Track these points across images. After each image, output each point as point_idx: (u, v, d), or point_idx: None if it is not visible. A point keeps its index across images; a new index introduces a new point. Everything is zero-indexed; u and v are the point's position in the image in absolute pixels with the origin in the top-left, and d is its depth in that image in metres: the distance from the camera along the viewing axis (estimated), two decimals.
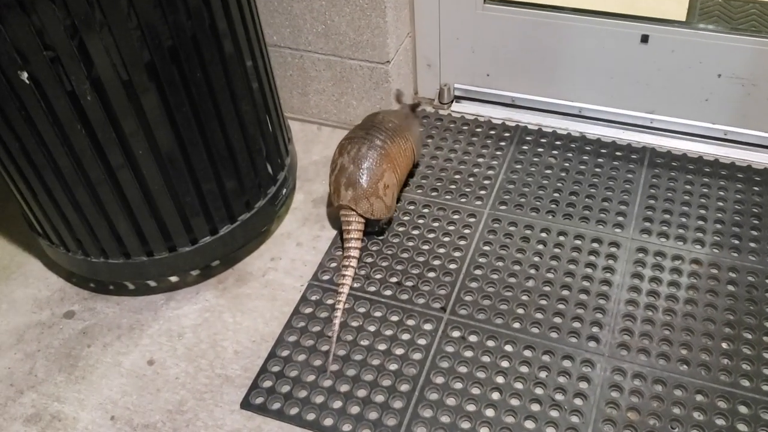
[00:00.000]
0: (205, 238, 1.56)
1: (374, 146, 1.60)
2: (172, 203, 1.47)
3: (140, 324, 1.58)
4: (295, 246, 1.72)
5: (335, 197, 1.63)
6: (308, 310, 1.57)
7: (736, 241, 1.62)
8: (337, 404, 1.39)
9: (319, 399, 1.40)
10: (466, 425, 1.34)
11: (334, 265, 1.66)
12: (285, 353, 1.49)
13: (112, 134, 1.33)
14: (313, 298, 1.59)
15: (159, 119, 1.36)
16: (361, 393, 1.41)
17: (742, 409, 1.33)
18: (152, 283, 1.66)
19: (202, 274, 1.67)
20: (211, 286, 1.65)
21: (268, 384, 1.44)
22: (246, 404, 1.41)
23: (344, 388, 1.42)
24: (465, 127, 1.99)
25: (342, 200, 1.61)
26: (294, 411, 1.39)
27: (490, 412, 1.36)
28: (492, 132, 1.96)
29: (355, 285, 1.61)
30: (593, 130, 1.94)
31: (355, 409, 1.38)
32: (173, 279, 1.66)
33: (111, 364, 1.51)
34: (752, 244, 1.61)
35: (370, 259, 1.65)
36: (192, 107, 1.39)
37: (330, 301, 1.58)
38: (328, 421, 1.37)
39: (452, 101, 2.07)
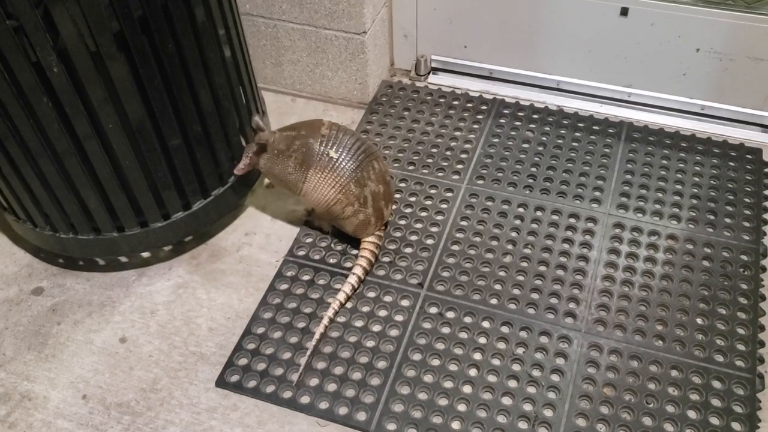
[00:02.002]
0: (178, 213, 1.53)
1: (375, 154, 1.54)
2: (143, 177, 1.43)
3: (111, 301, 1.55)
4: (269, 221, 1.69)
5: (378, 222, 1.55)
6: (284, 287, 1.54)
7: (712, 217, 1.63)
8: (314, 381, 1.38)
9: (295, 376, 1.39)
10: (443, 402, 1.34)
11: (309, 240, 1.63)
12: (260, 330, 1.47)
13: (79, 106, 1.28)
14: (289, 274, 1.57)
15: (129, 90, 1.31)
16: (338, 370, 1.40)
17: (716, 384, 1.35)
18: (123, 259, 1.62)
19: (174, 250, 1.63)
20: (184, 261, 1.62)
21: (243, 362, 1.42)
22: (221, 382, 1.39)
23: (321, 365, 1.41)
24: (442, 100, 1.96)
25: (386, 218, 1.58)
26: (270, 389, 1.38)
27: (467, 389, 1.36)
28: (469, 105, 1.94)
29: (332, 260, 1.59)
30: (571, 104, 1.93)
31: (332, 387, 1.37)
32: (145, 255, 1.62)
33: (82, 342, 1.48)
34: (727, 220, 1.62)
35: (347, 235, 1.63)
36: (163, 78, 1.34)
37: (306, 277, 1.56)
38: (305, 399, 1.36)
39: (429, 73, 2.04)
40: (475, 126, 1.88)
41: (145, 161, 1.42)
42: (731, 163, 1.75)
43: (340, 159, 1.47)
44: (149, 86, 1.33)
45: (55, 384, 1.41)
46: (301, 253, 1.61)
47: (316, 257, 1.60)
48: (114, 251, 1.55)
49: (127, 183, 1.43)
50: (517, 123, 1.88)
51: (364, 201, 1.50)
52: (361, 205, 1.50)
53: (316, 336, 1.43)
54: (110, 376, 1.42)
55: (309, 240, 1.63)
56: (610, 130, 1.85)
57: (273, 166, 1.53)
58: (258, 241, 1.65)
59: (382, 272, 1.56)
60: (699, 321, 1.45)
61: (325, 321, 1.45)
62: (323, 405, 1.35)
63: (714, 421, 1.30)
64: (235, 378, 1.40)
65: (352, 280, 1.51)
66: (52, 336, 1.49)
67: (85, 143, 1.35)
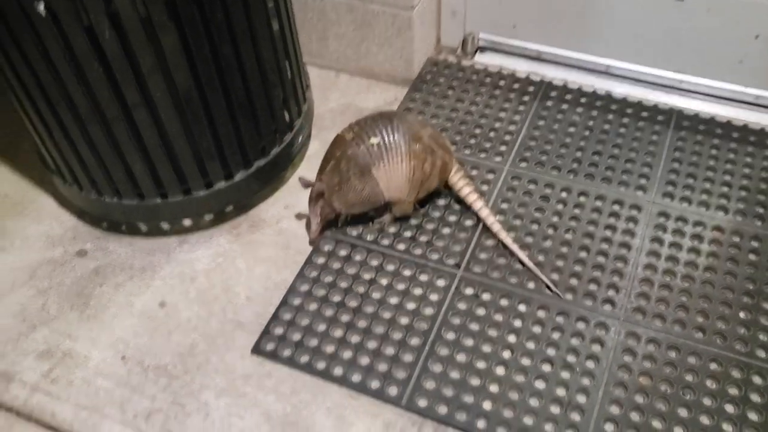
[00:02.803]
0: (220, 183, 1.54)
1: (398, 114, 1.55)
2: (188, 146, 1.45)
3: (153, 266, 1.58)
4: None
5: (451, 157, 1.56)
6: (321, 261, 1.55)
7: (761, 210, 1.59)
8: (348, 354, 1.39)
9: (329, 348, 1.40)
10: (475, 382, 1.34)
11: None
12: (297, 302, 1.48)
13: (129, 72, 1.30)
14: (326, 248, 1.58)
15: (177, 59, 1.32)
16: (372, 345, 1.40)
17: (757, 380, 1.32)
18: (165, 226, 1.65)
19: (215, 219, 1.65)
20: (225, 231, 1.63)
21: (279, 331, 1.43)
22: (257, 350, 1.41)
23: (355, 339, 1.41)
24: (488, 80, 1.94)
25: (452, 150, 1.58)
26: (304, 359, 1.39)
27: (500, 370, 1.36)
28: (515, 86, 1.91)
29: (369, 238, 1.59)
30: (620, 89, 1.89)
31: (365, 360, 1.38)
32: (187, 222, 1.65)
33: (123, 305, 1.51)
34: None
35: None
36: (211, 48, 1.35)
37: (343, 253, 1.56)
38: (338, 371, 1.37)
39: (476, 52, 2.02)
40: (521, 107, 1.86)
41: (191, 130, 1.43)
42: None
43: (384, 136, 1.47)
44: (198, 56, 1.34)
45: (96, 344, 1.45)
46: (339, 228, 1.61)
47: (354, 234, 1.60)
48: (156, 217, 1.57)
49: (172, 151, 1.45)
50: (564, 106, 1.85)
51: (430, 148, 1.50)
52: (431, 153, 1.50)
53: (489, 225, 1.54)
54: (149, 339, 1.45)
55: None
56: (659, 118, 1.81)
57: (345, 199, 1.51)
58: (297, 214, 1.66)
59: (419, 251, 1.55)
60: (742, 315, 1.42)
61: (490, 219, 1.55)
62: (356, 377, 1.36)
63: (752, 416, 1.28)
64: (270, 347, 1.41)
65: (484, 211, 1.56)
66: (95, 297, 1.53)
67: (134, 110, 1.37)
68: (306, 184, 1.51)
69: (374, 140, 1.46)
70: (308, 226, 1.59)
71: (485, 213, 1.56)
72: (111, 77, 1.30)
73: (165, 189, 1.51)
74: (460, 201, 1.62)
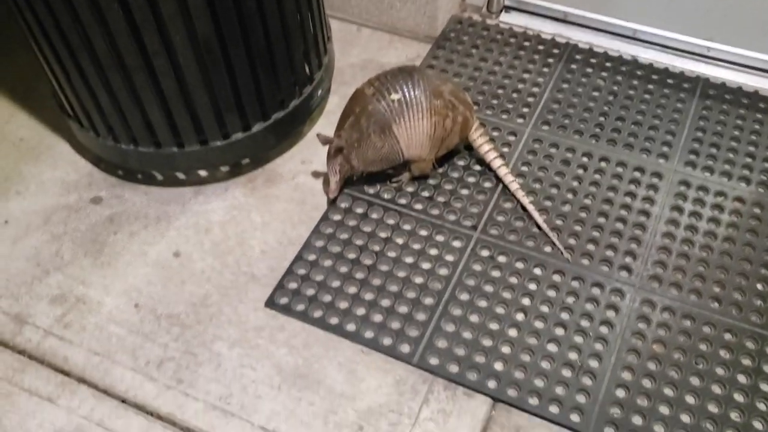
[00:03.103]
0: (237, 134, 1.53)
1: (417, 68, 1.52)
2: (207, 95, 1.43)
3: (167, 216, 1.57)
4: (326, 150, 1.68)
5: (472, 113, 1.53)
6: (337, 217, 1.54)
7: None
8: (361, 311, 1.39)
9: (343, 305, 1.40)
10: (487, 342, 1.34)
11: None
12: (312, 257, 1.47)
13: (150, 17, 1.28)
14: (343, 205, 1.56)
15: (199, 6, 1.30)
16: (385, 302, 1.40)
17: None
18: (181, 176, 1.64)
19: (231, 171, 1.64)
20: (240, 184, 1.62)
21: (293, 285, 1.43)
22: (270, 303, 1.41)
23: (369, 296, 1.41)
24: (512, 40, 1.90)
25: (473, 105, 1.56)
26: (318, 314, 1.39)
27: (512, 332, 1.35)
28: (540, 47, 1.88)
29: (386, 196, 1.57)
30: (646, 55, 1.85)
31: (378, 318, 1.38)
32: (202, 173, 1.64)
33: (137, 253, 1.51)
34: None
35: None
36: None
37: (359, 210, 1.55)
38: (351, 327, 1.37)
39: (501, 11, 1.98)
40: (545, 70, 1.82)
41: (210, 79, 1.41)
42: None
43: (405, 92, 1.44)
44: (219, 4, 1.31)
45: (109, 291, 1.45)
46: (356, 185, 1.60)
47: (371, 191, 1.59)
48: (172, 166, 1.56)
49: (190, 100, 1.43)
50: (589, 70, 1.82)
51: (452, 104, 1.48)
52: (453, 109, 1.48)
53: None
54: (162, 288, 1.45)
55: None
56: (685, 85, 1.77)
57: (364, 157, 1.49)
58: (314, 170, 1.65)
59: (436, 211, 1.54)
60: (759, 287, 1.40)
61: (509, 178, 1.55)
62: (368, 334, 1.36)
63: (764, 387, 1.27)
64: (284, 300, 1.41)
65: (503, 170, 1.56)
66: (109, 245, 1.52)
67: (154, 58, 1.35)
68: (325, 140, 1.49)
69: (395, 96, 1.44)
70: (326, 182, 1.57)
71: (504, 172, 1.55)
72: (131, 22, 1.28)
73: (182, 138, 1.50)
74: (480, 160, 1.60)
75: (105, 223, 1.57)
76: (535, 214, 1.50)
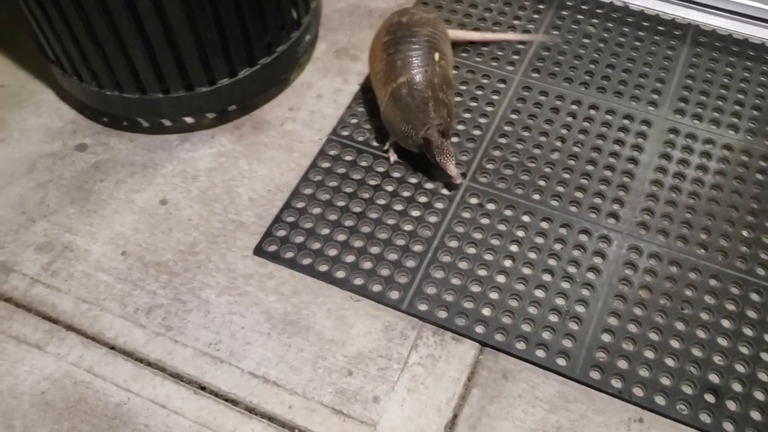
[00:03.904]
0: (224, 79, 1.50)
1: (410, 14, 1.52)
2: (192, 39, 1.40)
3: (154, 163, 1.56)
4: (315, 98, 1.66)
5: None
6: (326, 165, 1.53)
7: None
8: (350, 258, 1.39)
9: (332, 252, 1.40)
10: (476, 288, 1.35)
11: (354, 120, 1.61)
12: (300, 205, 1.47)
13: None
14: (332, 152, 1.55)
15: None
16: (375, 250, 1.40)
17: (754, 297, 1.33)
18: (167, 122, 1.61)
19: (218, 118, 1.62)
20: (227, 131, 1.61)
21: (282, 233, 1.43)
22: (259, 251, 1.41)
23: (358, 243, 1.41)
24: None
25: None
26: (307, 261, 1.39)
27: (501, 278, 1.36)
28: None
29: (375, 144, 1.56)
30: (637, 1, 1.83)
31: (367, 265, 1.38)
32: (188, 120, 1.61)
33: (123, 201, 1.50)
34: None
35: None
36: None
37: (349, 158, 1.54)
38: (340, 274, 1.37)
39: None
40: (536, 16, 1.80)
41: (195, 22, 1.38)
42: None
43: (433, 43, 1.46)
44: None
45: (96, 238, 1.44)
46: (345, 133, 1.59)
47: (360, 139, 1.57)
48: (158, 112, 1.54)
49: (175, 43, 1.41)
50: (580, 17, 1.79)
51: (433, 22, 1.50)
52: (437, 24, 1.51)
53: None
54: (150, 235, 1.44)
55: (354, 121, 1.61)
56: (676, 32, 1.76)
57: (453, 121, 1.47)
58: (302, 117, 1.63)
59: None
60: (744, 233, 1.41)
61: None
62: (358, 281, 1.36)
63: (747, 331, 1.29)
64: (272, 248, 1.41)
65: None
66: (95, 192, 1.51)
67: (138, 1, 1.31)
68: (442, 142, 1.40)
69: (437, 56, 1.45)
70: (450, 171, 1.44)
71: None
72: None
73: (167, 83, 1.47)
74: (469, 110, 1.59)
75: (91, 171, 1.55)
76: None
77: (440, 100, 1.41)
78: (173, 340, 1.31)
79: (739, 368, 1.25)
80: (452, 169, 1.41)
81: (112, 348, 1.30)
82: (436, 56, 1.43)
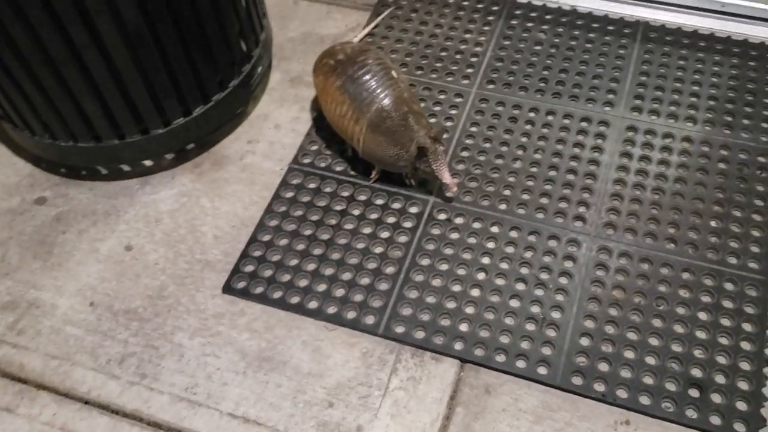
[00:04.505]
0: (178, 119, 1.49)
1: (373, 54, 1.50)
2: (142, 83, 1.39)
3: (116, 209, 1.53)
4: (273, 128, 1.65)
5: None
6: (289, 195, 1.52)
7: (729, 118, 1.58)
8: (322, 287, 1.37)
9: (303, 282, 1.38)
10: (451, 305, 1.33)
11: (315, 147, 1.60)
12: (266, 238, 1.45)
13: (72, 9, 1.23)
14: (294, 182, 1.54)
15: None
16: (346, 276, 1.39)
17: (729, 286, 1.33)
18: (126, 168, 1.59)
19: (177, 158, 1.60)
20: (187, 170, 1.59)
21: (250, 268, 1.41)
22: (228, 289, 1.39)
23: (328, 271, 1.39)
24: (450, 1, 1.88)
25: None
26: (277, 294, 1.37)
27: (475, 292, 1.35)
28: (479, 5, 1.86)
29: (338, 168, 1.55)
30: (585, 3, 1.84)
31: (340, 292, 1.37)
32: (147, 163, 1.60)
33: (87, 251, 1.47)
34: (745, 121, 1.57)
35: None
36: None
37: (312, 185, 1.53)
38: (313, 304, 1.35)
39: None
40: (486, 28, 1.81)
41: (144, 67, 1.37)
42: (751, 63, 1.68)
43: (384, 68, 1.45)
44: None
45: (62, 292, 1.41)
46: (307, 160, 1.58)
47: (322, 165, 1.56)
48: (116, 159, 1.52)
49: (126, 89, 1.39)
50: (529, 24, 1.80)
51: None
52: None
53: None
54: (117, 283, 1.42)
55: (314, 147, 1.60)
56: (626, 31, 1.77)
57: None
58: (261, 149, 1.62)
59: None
60: (713, 224, 1.42)
61: None
62: (331, 309, 1.34)
63: (725, 322, 1.29)
64: (241, 284, 1.39)
65: None
66: (57, 245, 1.48)
67: (82, 51, 1.30)
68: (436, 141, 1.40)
69: (395, 74, 1.45)
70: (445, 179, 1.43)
71: None
72: (53, 15, 1.23)
73: (122, 129, 1.46)
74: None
75: (52, 223, 1.52)
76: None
77: (417, 112, 1.41)
78: (149, 388, 1.28)
79: (721, 360, 1.25)
80: (447, 177, 1.40)
81: (86, 402, 1.27)
82: (394, 74, 1.42)
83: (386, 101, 1.39)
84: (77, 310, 1.38)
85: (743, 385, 1.22)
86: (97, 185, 1.58)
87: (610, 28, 1.78)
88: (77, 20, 1.25)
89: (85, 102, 1.39)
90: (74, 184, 1.59)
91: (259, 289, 1.38)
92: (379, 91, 1.40)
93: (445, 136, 1.59)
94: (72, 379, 1.30)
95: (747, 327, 1.28)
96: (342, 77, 1.43)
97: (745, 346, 1.26)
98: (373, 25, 1.77)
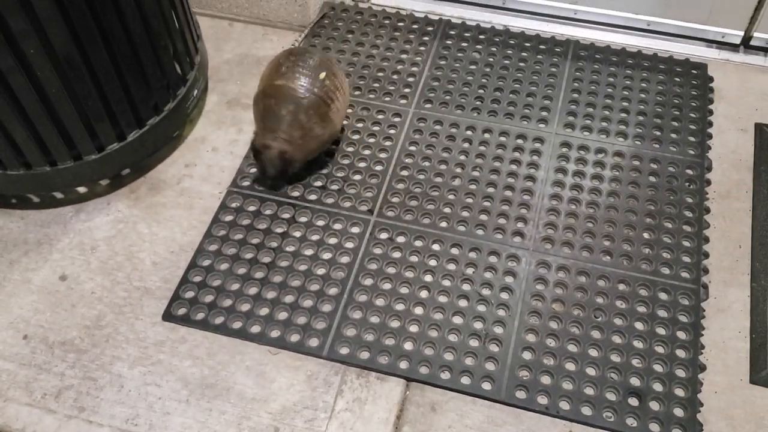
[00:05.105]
0: (112, 144, 1.46)
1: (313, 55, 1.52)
2: (73, 108, 1.36)
3: (49, 238, 1.49)
4: (210, 151, 1.63)
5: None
6: (229, 218, 1.50)
7: (658, 133, 1.63)
8: (264, 311, 1.36)
9: (245, 307, 1.37)
10: (395, 324, 1.34)
11: (253, 170, 1.58)
12: (206, 263, 1.43)
13: None
14: (233, 205, 1.53)
15: (50, 15, 1.22)
16: (289, 299, 1.38)
17: (663, 296, 1.37)
18: (59, 195, 1.55)
19: (111, 184, 1.57)
20: (123, 196, 1.56)
21: (190, 294, 1.39)
22: (168, 316, 1.36)
23: (271, 294, 1.38)
24: (386, 21, 1.90)
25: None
26: (219, 320, 1.35)
27: (418, 310, 1.36)
28: (415, 26, 1.88)
29: (277, 191, 1.54)
30: (517, 23, 1.89)
31: (282, 315, 1.36)
32: (81, 190, 1.56)
33: (19, 282, 1.42)
34: (673, 135, 1.63)
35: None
36: (88, 3, 1.26)
37: (252, 208, 1.52)
38: (255, 328, 1.34)
39: None
40: (422, 48, 1.83)
41: (74, 91, 1.34)
42: (677, 79, 1.74)
43: (324, 70, 1.46)
44: (72, 9, 1.24)
45: None
46: (246, 183, 1.56)
47: (261, 187, 1.55)
48: (47, 187, 1.48)
49: (56, 115, 1.36)
50: (464, 44, 1.84)
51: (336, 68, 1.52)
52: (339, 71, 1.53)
53: None
54: (51, 314, 1.37)
55: (253, 170, 1.58)
56: (557, 49, 1.82)
57: (309, 149, 1.49)
58: (199, 172, 1.60)
59: (330, 200, 1.53)
60: (645, 235, 1.46)
61: None
62: (274, 333, 1.33)
63: (660, 331, 1.33)
64: (182, 311, 1.36)
65: None
66: None
67: (9, 76, 1.26)
68: (263, 146, 1.45)
69: (322, 74, 1.44)
70: (272, 186, 1.52)
71: None
72: None
73: (53, 156, 1.42)
74: (368, 147, 1.60)
75: None
76: None
77: (301, 122, 1.44)
78: (87, 421, 1.24)
79: (658, 368, 1.28)
80: (271, 182, 1.50)
81: None
82: (322, 75, 1.44)
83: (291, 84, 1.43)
84: (9, 343, 1.34)
85: (680, 392, 1.26)
86: (29, 213, 1.53)
87: (542, 47, 1.82)
88: (2, 44, 1.21)
89: (14, 128, 1.35)
90: (4, 213, 1.53)
91: (200, 315, 1.36)
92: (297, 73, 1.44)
93: (384, 155, 1.60)
94: (5, 416, 1.25)
95: (681, 335, 1.32)
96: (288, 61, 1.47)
97: (680, 353, 1.30)
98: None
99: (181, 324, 1.35)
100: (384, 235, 1.47)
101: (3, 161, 1.41)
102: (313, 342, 1.32)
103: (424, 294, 1.38)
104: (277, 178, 1.52)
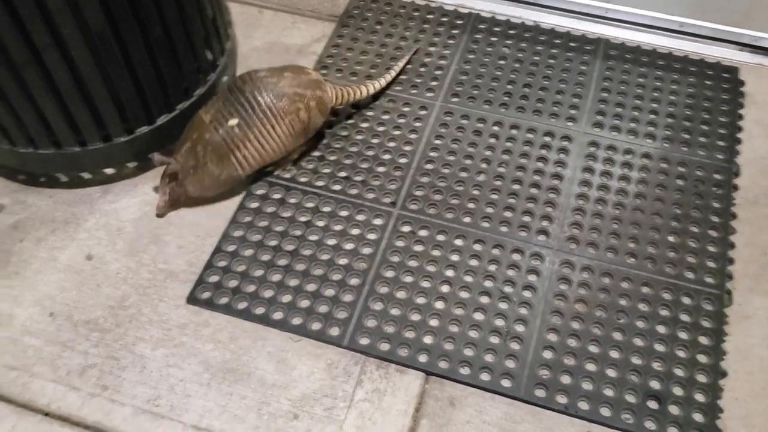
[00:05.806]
0: (142, 128, 1.47)
1: (252, 78, 1.46)
2: (105, 89, 1.37)
3: (76, 218, 1.50)
4: None
5: (325, 92, 1.52)
6: (254, 205, 1.51)
7: (687, 136, 1.62)
8: (287, 298, 1.37)
9: (268, 293, 1.38)
10: (416, 317, 1.34)
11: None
12: (231, 248, 1.44)
13: (35, 12, 1.20)
14: (259, 192, 1.53)
15: None
16: (311, 287, 1.38)
17: (686, 300, 1.37)
18: (87, 176, 1.56)
19: (139, 167, 1.58)
20: (150, 179, 1.57)
21: (214, 279, 1.40)
22: (192, 299, 1.37)
23: (293, 282, 1.39)
24: (416, 13, 1.89)
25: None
26: (242, 305, 1.36)
27: (439, 305, 1.36)
28: (444, 19, 1.88)
29: (303, 179, 1.55)
30: (547, 20, 1.88)
31: (304, 303, 1.36)
32: (109, 171, 1.57)
33: (46, 259, 1.44)
34: (702, 139, 1.62)
35: (317, 153, 1.59)
36: None
37: (277, 196, 1.52)
38: (278, 315, 1.35)
39: None
40: (450, 41, 1.83)
41: (107, 71, 1.35)
42: (707, 82, 1.73)
43: (243, 113, 1.41)
44: None
45: (20, 302, 1.38)
46: (271, 170, 1.57)
47: (287, 176, 1.56)
48: (76, 167, 1.49)
49: (88, 94, 1.37)
50: (493, 39, 1.83)
51: (297, 95, 1.45)
52: (300, 99, 1.45)
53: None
54: (77, 293, 1.39)
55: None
56: (587, 48, 1.81)
57: (201, 183, 1.45)
58: None
59: (354, 191, 1.53)
60: (671, 239, 1.45)
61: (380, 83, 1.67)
62: (296, 321, 1.34)
63: (682, 335, 1.32)
64: (206, 295, 1.38)
65: (371, 87, 1.65)
66: (15, 254, 1.45)
67: (44, 53, 1.28)
68: (160, 161, 1.42)
69: (233, 122, 1.40)
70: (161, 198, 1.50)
71: (374, 87, 1.65)
72: (15, 16, 1.21)
73: (83, 136, 1.43)
74: (393, 139, 1.60)
75: (9, 231, 1.48)
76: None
77: (197, 154, 1.42)
78: (110, 400, 1.26)
79: (679, 372, 1.28)
80: (159, 201, 1.48)
81: (47, 414, 1.24)
82: (233, 122, 1.41)
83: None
84: (36, 320, 1.35)
85: (700, 397, 1.25)
86: (57, 192, 1.55)
87: (572, 44, 1.81)
88: (38, 20, 1.22)
89: (46, 106, 1.36)
90: (33, 192, 1.55)
91: (223, 300, 1.37)
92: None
93: (409, 148, 1.60)
94: (31, 391, 1.27)
95: (703, 340, 1.32)
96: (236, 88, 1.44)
97: (702, 358, 1.30)
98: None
99: (204, 308, 1.36)
100: (407, 228, 1.47)
101: (34, 139, 1.43)
102: (334, 331, 1.33)
103: (445, 289, 1.38)
104: (165, 198, 1.47)
